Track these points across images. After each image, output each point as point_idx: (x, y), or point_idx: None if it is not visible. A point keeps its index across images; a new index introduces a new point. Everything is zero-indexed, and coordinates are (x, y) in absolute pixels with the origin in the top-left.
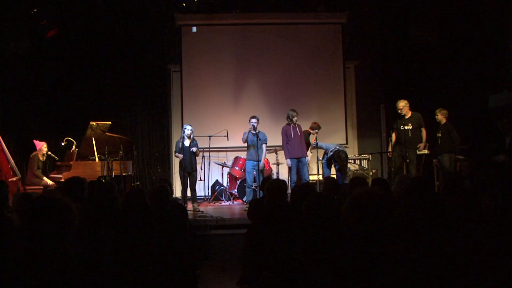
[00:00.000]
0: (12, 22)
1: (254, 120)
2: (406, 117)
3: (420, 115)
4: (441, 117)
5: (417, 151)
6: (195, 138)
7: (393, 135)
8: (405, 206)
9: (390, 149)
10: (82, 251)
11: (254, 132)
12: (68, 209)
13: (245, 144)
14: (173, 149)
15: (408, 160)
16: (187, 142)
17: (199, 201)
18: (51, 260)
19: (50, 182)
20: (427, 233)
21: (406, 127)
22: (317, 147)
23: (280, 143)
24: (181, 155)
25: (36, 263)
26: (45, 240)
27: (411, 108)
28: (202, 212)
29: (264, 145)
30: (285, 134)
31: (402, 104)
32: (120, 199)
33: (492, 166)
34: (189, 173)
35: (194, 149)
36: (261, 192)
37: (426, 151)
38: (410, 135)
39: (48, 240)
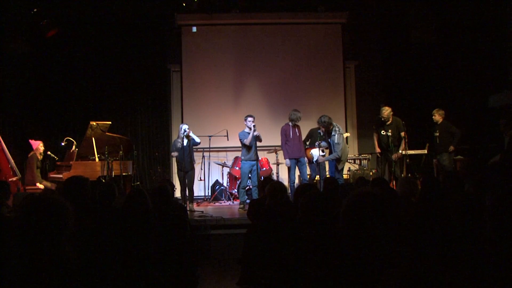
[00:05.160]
0: (12, 22)
1: (250, 119)
2: (388, 123)
3: (400, 120)
4: (438, 117)
5: (393, 157)
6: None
7: (375, 138)
8: (406, 206)
9: (378, 150)
10: (83, 252)
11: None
12: (63, 208)
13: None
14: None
15: (388, 162)
16: (185, 142)
17: (199, 201)
18: (49, 260)
19: (49, 184)
20: (428, 233)
21: (387, 133)
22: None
23: (280, 143)
24: (176, 153)
25: (33, 263)
26: (40, 239)
27: (412, 108)
28: (202, 212)
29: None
30: (284, 134)
31: (387, 113)
32: (120, 199)
33: (491, 167)
34: (186, 173)
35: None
36: (257, 192)
37: (425, 151)
38: (389, 140)
39: (43, 239)
